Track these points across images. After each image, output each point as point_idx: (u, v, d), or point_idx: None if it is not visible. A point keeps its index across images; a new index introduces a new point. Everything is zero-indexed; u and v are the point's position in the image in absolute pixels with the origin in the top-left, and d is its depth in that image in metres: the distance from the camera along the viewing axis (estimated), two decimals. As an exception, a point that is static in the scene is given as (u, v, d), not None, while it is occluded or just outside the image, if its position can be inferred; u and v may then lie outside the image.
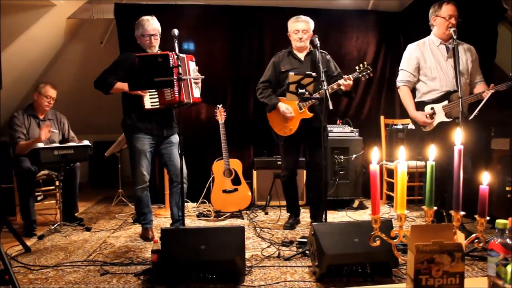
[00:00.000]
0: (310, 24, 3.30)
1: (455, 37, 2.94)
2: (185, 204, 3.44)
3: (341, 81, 3.08)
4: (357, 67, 3.14)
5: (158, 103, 2.97)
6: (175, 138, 3.22)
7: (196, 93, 3.11)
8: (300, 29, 3.26)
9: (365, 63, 3.14)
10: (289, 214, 3.61)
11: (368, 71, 3.11)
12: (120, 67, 3.02)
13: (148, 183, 3.17)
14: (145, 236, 3.19)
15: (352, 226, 2.58)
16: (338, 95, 3.32)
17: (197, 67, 3.12)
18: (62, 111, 3.96)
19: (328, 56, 3.38)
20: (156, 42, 3.06)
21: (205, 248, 2.30)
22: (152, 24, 3.04)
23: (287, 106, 3.24)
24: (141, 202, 3.18)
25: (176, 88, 2.87)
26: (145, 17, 3.07)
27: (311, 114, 3.22)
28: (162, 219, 3.92)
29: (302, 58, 3.33)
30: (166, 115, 3.14)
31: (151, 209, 3.28)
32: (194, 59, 3.12)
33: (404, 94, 3.23)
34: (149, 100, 2.97)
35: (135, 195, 3.19)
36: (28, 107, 3.70)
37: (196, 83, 3.10)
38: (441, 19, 3.07)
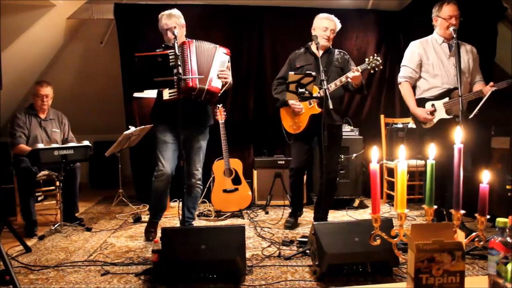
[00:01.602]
0: (338, 26, 3.26)
1: (455, 36, 2.96)
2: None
3: (349, 74, 3.02)
4: (366, 59, 3.06)
5: (175, 93, 2.87)
6: (200, 143, 3.15)
7: (216, 83, 3.01)
8: (329, 28, 3.20)
9: (375, 55, 3.05)
10: (290, 211, 3.60)
11: (378, 62, 3.02)
12: None
13: (167, 176, 3.00)
14: (148, 231, 3.16)
15: (353, 225, 2.58)
16: (349, 92, 3.29)
17: (229, 64, 3.10)
18: (62, 111, 3.96)
19: (347, 56, 3.35)
20: (177, 33, 2.91)
21: (206, 248, 2.30)
22: (164, 20, 3.02)
23: (296, 100, 3.18)
24: (155, 194, 3.07)
25: (189, 75, 2.83)
26: (163, 13, 3.06)
27: (320, 110, 3.13)
28: (162, 218, 3.91)
29: (319, 55, 3.25)
30: (193, 108, 2.97)
31: (165, 205, 3.19)
32: (229, 53, 3.11)
33: (405, 90, 3.23)
34: (168, 91, 2.92)
35: (152, 186, 3.10)
36: (29, 107, 3.73)
37: (221, 76, 3.02)
38: (442, 19, 3.09)
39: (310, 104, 3.20)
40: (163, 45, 3.11)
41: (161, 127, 3.09)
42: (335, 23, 3.25)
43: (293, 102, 3.19)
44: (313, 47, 3.29)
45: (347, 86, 3.16)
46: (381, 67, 3.09)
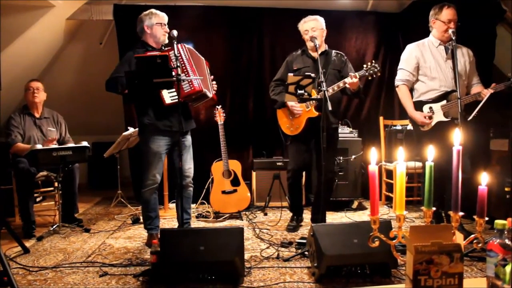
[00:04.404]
0: (319, 21, 3.26)
1: (454, 38, 2.96)
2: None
3: (347, 79, 3.04)
4: (364, 66, 3.08)
5: (176, 97, 2.80)
6: (188, 141, 3.16)
7: (213, 92, 3.07)
8: (309, 28, 3.23)
9: (373, 61, 3.08)
10: (292, 214, 3.58)
11: (376, 70, 3.05)
12: (127, 66, 2.89)
13: (157, 185, 3.04)
14: (149, 243, 3.09)
15: (351, 227, 2.58)
16: (346, 95, 3.30)
17: (212, 76, 3.12)
18: (61, 112, 3.96)
19: (345, 58, 3.35)
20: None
21: (204, 249, 2.29)
22: (154, 18, 3.00)
23: (295, 102, 3.19)
24: (148, 205, 3.04)
25: (193, 78, 2.81)
26: (148, 12, 3.02)
27: (317, 113, 3.16)
28: (161, 220, 3.90)
29: (316, 57, 3.26)
30: (184, 109, 2.94)
31: (158, 213, 3.13)
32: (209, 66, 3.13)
33: (403, 93, 3.23)
34: (168, 94, 2.86)
35: (142, 197, 3.07)
36: (24, 107, 3.75)
37: (214, 86, 3.10)
38: (441, 22, 3.09)
39: (307, 107, 3.21)
40: (150, 47, 3.01)
41: (156, 137, 2.97)
42: (315, 21, 3.26)
43: (293, 104, 3.20)
44: (310, 50, 3.31)
45: (345, 90, 3.17)
46: (379, 74, 3.11)
